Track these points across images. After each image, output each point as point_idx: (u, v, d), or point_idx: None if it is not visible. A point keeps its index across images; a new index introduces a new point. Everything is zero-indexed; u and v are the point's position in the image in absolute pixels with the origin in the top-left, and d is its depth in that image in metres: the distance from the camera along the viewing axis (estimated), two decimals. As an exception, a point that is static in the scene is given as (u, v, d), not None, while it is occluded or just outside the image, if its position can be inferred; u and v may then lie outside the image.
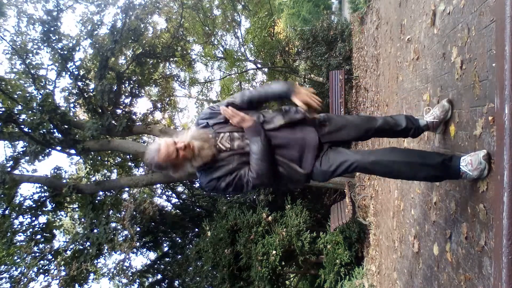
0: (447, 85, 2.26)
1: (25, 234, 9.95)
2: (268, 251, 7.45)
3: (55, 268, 8.90)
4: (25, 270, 8.73)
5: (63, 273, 8.61)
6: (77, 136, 10.41)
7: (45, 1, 10.00)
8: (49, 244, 10.25)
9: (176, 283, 11.59)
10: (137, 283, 10.81)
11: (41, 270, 9.22)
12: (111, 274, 9.87)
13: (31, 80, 10.23)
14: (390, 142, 4.24)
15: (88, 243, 9.51)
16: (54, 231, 11.03)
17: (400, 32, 3.91)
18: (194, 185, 13.27)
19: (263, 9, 16.57)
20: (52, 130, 9.69)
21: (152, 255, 13.35)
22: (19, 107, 9.74)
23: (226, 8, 16.65)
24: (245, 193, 2.13)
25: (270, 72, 17.22)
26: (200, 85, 19.15)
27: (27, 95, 9.84)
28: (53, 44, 9.92)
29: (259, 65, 17.66)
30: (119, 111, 11.39)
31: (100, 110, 10.62)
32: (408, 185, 3.48)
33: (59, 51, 9.96)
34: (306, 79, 14.41)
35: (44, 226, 10.39)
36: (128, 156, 13.33)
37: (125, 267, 9.41)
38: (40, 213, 10.36)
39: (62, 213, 11.99)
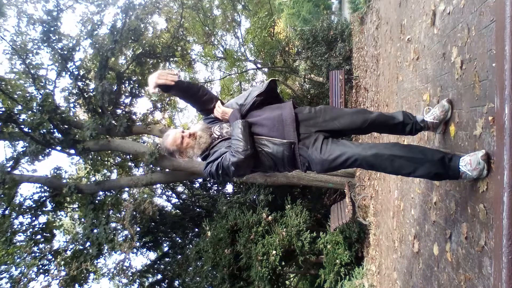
0: (447, 85, 2.26)
1: (25, 234, 9.94)
2: (268, 251, 7.45)
3: (55, 268, 8.89)
4: (25, 270, 8.72)
5: (63, 273, 8.60)
6: (77, 136, 10.40)
7: (45, 1, 9.98)
8: (49, 244, 10.24)
9: (176, 283, 11.58)
10: (137, 283, 10.80)
11: (41, 270, 9.21)
12: (111, 274, 9.86)
13: (31, 80, 10.22)
14: (390, 141, 4.24)
15: (88, 243, 9.50)
16: (54, 231, 11.02)
17: (400, 32, 3.91)
18: (194, 185, 13.27)
19: (263, 9, 16.58)
20: (52, 130, 9.68)
21: (152, 255, 13.35)
22: (19, 107, 9.74)
23: (226, 8, 16.65)
24: (230, 176, 2.22)
25: (270, 72, 17.22)
26: (200, 85, 19.11)
27: (27, 95, 9.84)
28: (53, 44, 9.90)
29: (259, 65, 17.66)
30: (119, 111, 11.38)
31: (100, 110, 10.61)
32: (408, 185, 3.48)
33: (59, 51, 9.95)
34: (306, 79, 14.41)
35: (44, 226, 10.38)
36: (128, 156, 13.31)
37: (125, 267, 9.40)
38: (40, 213, 10.35)
39: (62, 213, 11.98)
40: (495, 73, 1.53)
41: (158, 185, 13.54)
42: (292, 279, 12.43)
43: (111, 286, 11.42)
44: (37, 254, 9.50)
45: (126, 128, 10.31)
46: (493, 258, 1.52)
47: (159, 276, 12.38)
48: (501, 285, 1.40)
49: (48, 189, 10.46)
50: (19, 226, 9.88)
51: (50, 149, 9.98)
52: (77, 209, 12.81)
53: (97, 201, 10.67)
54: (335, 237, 7.51)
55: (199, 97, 2.29)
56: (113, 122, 10.32)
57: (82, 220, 11.48)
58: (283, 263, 7.77)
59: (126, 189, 11.48)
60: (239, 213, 8.50)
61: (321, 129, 2.12)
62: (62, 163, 50.37)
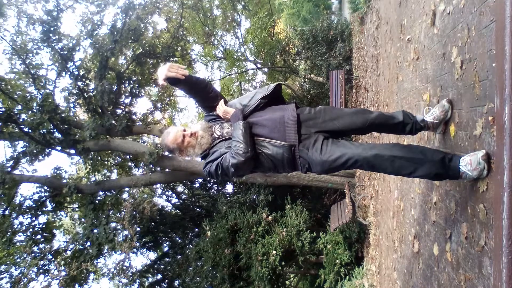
0: (447, 85, 2.26)
1: (25, 234, 9.94)
2: (268, 251, 7.45)
3: (55, 268, 8.88)
4: (25, 270, 8.72)
5: (63, 273, 8.60)
6: (77, 136, 10.40)
7: (45, 1, 9.97)
8: (49, 244, 10.24)
9: (176, 283, 11.58)
10: (137, 283, 10.79)
11: (41, 270, 9.20)
12: (111, 274, 9.84)
13: (31, 80, 10.22)
14: (390, 141, 4.24)
15: (88, 243, 9.50)
16: (54, 231, 11.02)
17: (400, 32, 3.91)
18: (194, 185, 13.26)
19: (263, 9, 16.59)
20: (52, 130, 9.68)
21: (152, 255, 13.34)
22: (19, 107, 9.73)
23: (226, 8, 16.66)
24: (230, 177, 2.21)
25: (270, 72, 17.23)
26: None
27: (27, 95, 9.83)
28: (53, 44, 9.90)
29: (259, 65, 17.66)
30: (119, 111, 11.38)
31: (100, 110, 10.61)
32: (408, 185, 3.48)
33: (59, 51, 9.94)
34: (306, 79, 14.42)
35: (44, 226, 10.38)
36: (128, 156, 13.31)
37: (125, 267, 9.39)
38: (40, 213, 10.35)
39: (62, 213, 11.97)
40: (495, 73, 1.53)
41: (158, 185, 13.54)
42: (292, 279, 12.43)
43: (111, 286, 11.41)
44: (37, 254, 9.49)
45: (126, 128, 10.31)
46: (493, 258, 1.52)
47: (159, 276, 12.38)
48: (501, 285, 1.40)
49: (48, 189, 10.46)
50: (19, 226, 9.87)
51: (50, 149, 9.97)
52: (77, 209, 12.81)
53: (97, 201, 10.67)
54: (335, 237, 7.51)
55: (206, 93, 2.27)
56: (113, 122, 10.32)
57: (82, 220, 11.47)
58: (283, 263, 7.77)
59: (126, 189, 11.48)
60: (239, 213, 8.50)
61: (321, 129, 2.11)
62: (62, 163, 50.38)
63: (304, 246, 7.50)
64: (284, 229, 7.70)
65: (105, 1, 10.83)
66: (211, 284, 8.90)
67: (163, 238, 12.49)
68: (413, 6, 3.35)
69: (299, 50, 12.87)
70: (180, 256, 11.49)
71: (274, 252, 7.38)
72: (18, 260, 9.02)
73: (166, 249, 13.05)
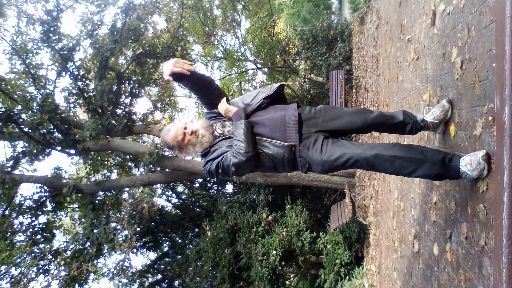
0: (447, 85, 2.26)
1: (25, 234, 9.94)
2: (268, 251, 7.45)
3: (55, 268, 8.89)
4: (25, 270, 8.73)
5: (63, 273, 8.60)
6: (77, 136, 10.40)
7: (45, 1, 9.97)
8: (49, 244, 10.24)
9: (176, 283, 11.58)
10: (137, 283, 10.79)
11: (41, 270, 9.21)
12: (111, 274, 9.85)
13: (31, 80, 10.22)
14: (390, 141, 4.24)
15: (88, 243, 9.50)
16: (54, 231, 11.02)
17: (400, 32, 3.91)
18: (194, 185, 13.26)
19: (263, 9, 16.60)
20: (52, 130, 9.68)
21: (152, 255, 13.35)
22: (19, 107, 9.73)
23: (226, 8, 16.66)
24: (230, 176, 2.21)
25: (270, 72, 17.24)
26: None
27: (27, 95, 9.83)
28: (53, 44, 9.90)
29: (259, 65, 17.67)
30: (119, 111, 11.38)
31: (100, 110, 10.61)
32: (408, 185, 3.48)
33: (59, 51, 9.94)
34: (306, 79, 14.42)
35: (44, 226, 10.38)
36: (128, 156, 13.31)
37: (125, 267, 9.40)
38: (40, 213, 10.35)
39: (62, 213, 11.98)
40: (495, 73, 1.53)
41: (158, 185, 13.54)
42: (292, 279, 12.42)
43: (111, 286, 11.42)
44: (37, 254, 9.50)
45: (126, 128, 10.31)
46: (493, 258, 1.52)
47: (159, 276, 12.37)
48: (501, 285, 1.40)
49: (48, 189, 10.46)
50: (19, 226, 9.88)
51: (50, 149, 9.97)
52: (77, 209, 12.81)
53: (97, 201, 10.67)
54: (335, 237, 7.51)
55: (210, 90, 2.27)
56: (113, 122, 10.31)
57: (82, 220, 11.47)
58: (283, 263, 7.77)
59: (126, 189, 11.48)
60: (239, 213, 8.50)
61: (321, 129, 2.11)
62: (62, 163, 50.44)
63: (304, 246, 7.50)
64: (284, 229, 7.70)
65: (105, 1, 10.83)
66: (211, 284, 8.90)
67: (163, 238, 12.49)
68: (413, 6, 3.35)
69: (299, 50, 12.88)
70: (180, 256, 11.49)
71: (274, 252, 7.38)
72: (18, 260, 9.04)
73: (166, 249, 13.05)
